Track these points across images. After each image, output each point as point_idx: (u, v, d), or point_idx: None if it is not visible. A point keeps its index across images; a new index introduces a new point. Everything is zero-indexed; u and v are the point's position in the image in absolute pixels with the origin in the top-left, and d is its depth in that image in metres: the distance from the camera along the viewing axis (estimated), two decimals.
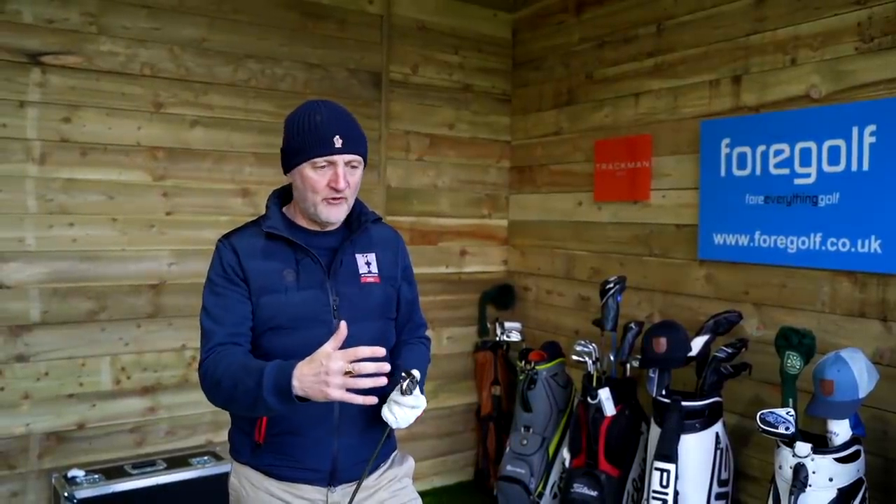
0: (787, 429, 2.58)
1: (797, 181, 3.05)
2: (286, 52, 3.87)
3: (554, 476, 3.84)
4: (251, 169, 3.80)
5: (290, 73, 3.89)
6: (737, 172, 3.29)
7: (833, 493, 2.52)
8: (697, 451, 3.03)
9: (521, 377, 3.93)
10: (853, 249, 2.85)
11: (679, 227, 3.61)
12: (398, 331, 2.16)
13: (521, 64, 4.63)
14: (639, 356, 3.33)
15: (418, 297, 2.25)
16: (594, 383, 3.53)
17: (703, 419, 3.05)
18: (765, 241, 3.18)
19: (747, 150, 3.24)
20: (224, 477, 3.41)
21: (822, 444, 2.61)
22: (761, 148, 3.19)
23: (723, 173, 3.35)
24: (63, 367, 3.39)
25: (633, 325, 3.54)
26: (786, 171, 3.09)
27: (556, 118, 4.37)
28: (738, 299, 3.33)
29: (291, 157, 1.94)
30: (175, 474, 3.37)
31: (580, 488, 3.46)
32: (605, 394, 3.43)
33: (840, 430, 2.56)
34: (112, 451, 3.51)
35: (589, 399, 3.48)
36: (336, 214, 1.95)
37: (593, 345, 3.60)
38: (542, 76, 4.46)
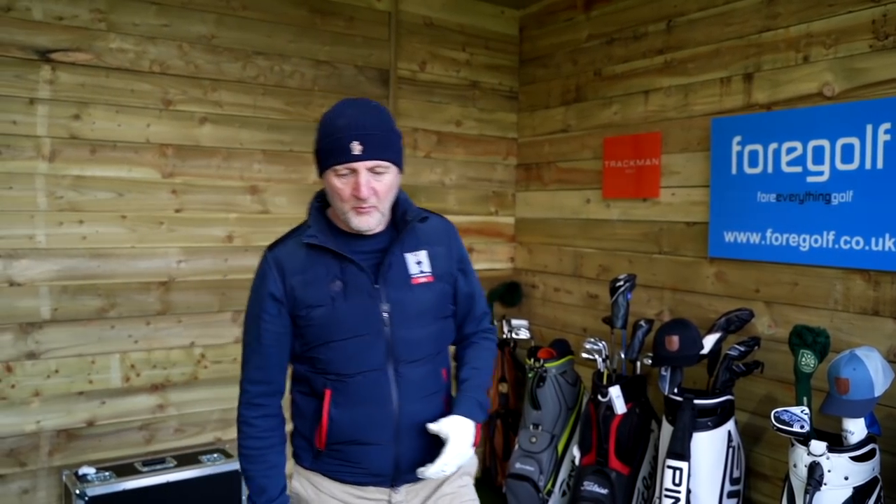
0: (802, 427, 2.57)
1: (810, 179, 3.04)
2: (294, 49, 3.86)
3: (563, 474, 3.84)
4: (260, 166, 3.80)
5: (298, 69, 3.88)
6: (748, 170, 3.28)
7: (849, 492, 2.52)
8: (710, 449, 3.03)
9: (530, 375, 3.93)
10: (867, 248, 2.85)
11: (689, 224, 3.60)
12: (460, 325, 2.11)
13: (529, 61, 4.62)
14: (650, 354, 3.33)
15: (478, 285, 2.16)
16: (604, 381, 3.53)
17: (716, 417, 3.05)
18: (776, 239, 3.18)
19: (759, 147, 3.24)
20: (234, 475, 3.45)
21: (836, 443, 2.61)
22: (773, 146, 3.18)
23: (734, 171, 3.34)
24: (73, 365, 3.38)
25: (643, 322, 3.54)
26: (798, 168, 3.09)
27: (563, 115, 4.36)
28: (749, 297, 3.32)
29: (318, 163, 1.89)
30: (185, 472, 3.36)
31: (590, 486, 3.46)
32: (615, 392, 3.43)
33: (855, 428, 2.56)
34: (122, 449, 3.51)
35: (599, 397, 3.48)
36: (367, 223, 1.86)
37: (603, 342, 3.60)
38: (550, 73, 4.45)
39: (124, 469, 3.34)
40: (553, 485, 3.82)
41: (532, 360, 3.95)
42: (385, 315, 1.90)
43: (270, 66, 3.79)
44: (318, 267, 1.89)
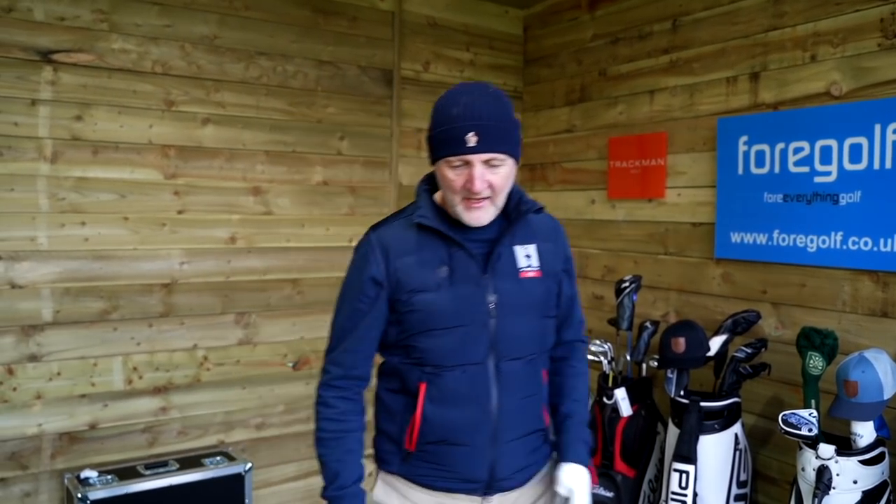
0: (809, 430, 2.55)
1: (817, 179, 3.01)
2: (297, 49, 3.84)
3: None
4: (263, 167, 3.78)
5: (301, 70, 3.86)
6: (755, 170, 3.26)
7: (857, 496, 2.49)
8: (716, 452, 3.00)
9: None
10: (875, 248, 2.82)
11: (695, 225, 3.57)
12: (558, 329, 2.02)
13: (533, 61, 4.59)
14: (656, 356, 3.30)
15: (577, 292, 2.09)
16: (610, 383, 3.50)
17: (723, 420, 3.02)
18: (784, 239, 3.15)
19: (766, 147, 3.21)
20: (237, 478, 3.44)
21: (845, 446, 2.58)
22: (780, 146, 3.15)
23: (740, 171, 3.31)
24: (75, 367, 3.36)
25: (648, 324, 3.51)
26: (806, 169, 3.06)
27: (568, 115, 4.33)
28: (755, 298, 3.29)
29: (431, 151, 1.80)
30: (188, 475, 3.34)
31: (596, 489, 3.43)
32: (621, 394, 3.40)
33: (864, 431, 2.53)
34: (124, 452, 3.49)
35: (605, 399, 3.45)
36: (478, 218, 1.77)
37: (608, 344, 3.57)
38: (554, 73, 4.42)
39: (126, 472, 3.32)
40: None
41: None
42: (491, 306, 1.80)
43: (273, 66, 3.77)
44: (426, 250, 1.81)
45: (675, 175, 3.67)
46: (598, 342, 3.59)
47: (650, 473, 3.47)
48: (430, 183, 1.91)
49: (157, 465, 3.39)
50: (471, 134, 1.68)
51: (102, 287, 3.41)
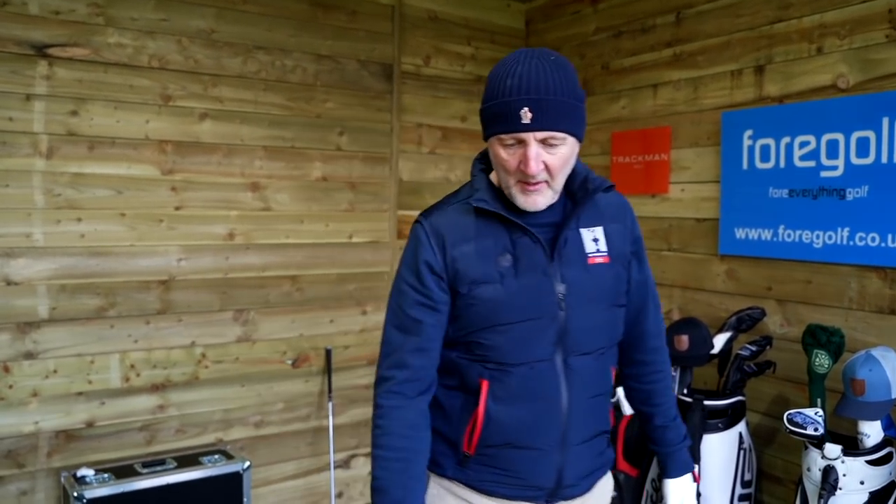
0: (815, 430, 2.50)
1: (824, 174, 2.96)
2: (296, 44, 3.80)
3: None
4: (261, 163, 3.73)
5: (300, 64, 3.81)
6: (760, 165, 3.20)
7: (864, 497, 2.44)
8: (720, 451, 2.95)
9: None
10: (883, 244, 2.77)
11: (699, 221, 3.52)
12: (632, 320, 1.84)
13: None
14: None
15: (652, 275, 1.89)
16: (612, 382, 3.45)
17: (727, 419, 2.97)
18: (789, 235, 3.10)
19: (771, 141, 3.16)
20: (235, 476, 3.40)
21: (851, 446, 2.53)
22: (786, 140, 3.10)
23: (745, 166, 3.26)
24: (72, 365, 3.33)
25: None
26: (812, 163, 3.00)
27: None
28: (760, 295, 3.24)
29: (483, 125, 1.62)
30: (186, 473, 3.31)
31: None
32: (622, 392, 3.35)
33: (871, 431, 2.49)
34: (121, 450, 3.45)
35: None
36: (534, 202, 1.59)
37: None
38: None
39: (124, 471, 3.28)
40: None
41: None
42: (560, 297, 1.63)
43: (271, 60, 3.73)
44: (486, 237, 1.63)
45: (679, 170, 3.62)
46: None
47: (653, 472, 3.42)
48: (486, 161, 1.73)
49: (155, 464, 3.36)
50: (525, 109, 1.50)
51: (99, 284, 3.37)
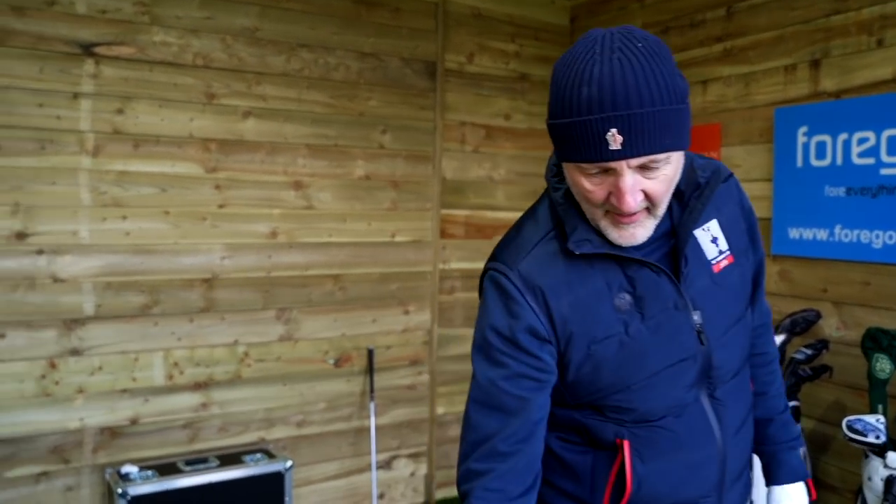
0: (877, 437, 2.40)
1: (884, 171, 2.85)
2: (339, 41, 3.78)
3: None
4: (304, 161, 3.72)
5: (343, 62, 3.79)
6: (815, 163, 3.10)
7: None
8: None
9: None
10: None
11: None
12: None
13: None
14: None
15: (763, 249, 1.55)
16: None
17: None
18: (846, 235, 2.99)
19: (827, 138, 3.05)
20: (277, 476, 3.39)
21: None
22: (843, 136, 2.99)
23: (799, 163, 3.16)
24: (116, 362, 3.35)
25: None
26: (871, 160, 2.89)
27: None
28: (815, 297, 3.13)
29: (555, 144, 1.23)
30: (228, 472, 3.31)
31: None
32: None
33: None
34: (164, 447, 3.46)
35: None
36: (631, 236, 1.24)
37: None
38: None
39: (167, 468, 3.29)
40: None
41: None
42: (698, 328, 1.32)
43: (315, 58, 3.72)
44: (594, 279, 1.29)
45: (730, 167, 3.51)
46: None
47: None
48: (563, 174, 1.32)
49: (198, 462, 3.36)
50: (613, 132, 1.12)
51: (143, 281, 3.39)
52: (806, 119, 3.13)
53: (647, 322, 1.29)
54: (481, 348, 1.33)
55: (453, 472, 4.54)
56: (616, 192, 1.17)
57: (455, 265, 4.19)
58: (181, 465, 3.32)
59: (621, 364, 1.29)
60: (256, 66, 3.57)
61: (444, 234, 4.12)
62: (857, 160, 2.95)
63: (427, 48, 4.04)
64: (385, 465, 4.02)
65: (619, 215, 1.21)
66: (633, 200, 1.17)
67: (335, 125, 3.79)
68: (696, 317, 1.31)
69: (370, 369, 3.92)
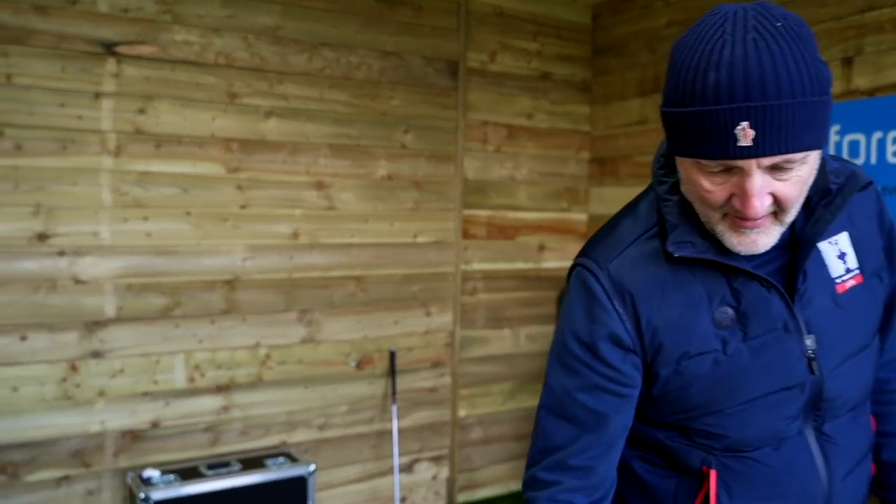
0: None
1: None
2: (361, 40, 3.74)
3: None
4: (326, 161, 3.68)
5: (365, 61, 3.75)
6: None
7: None
8: None
9: None
10: None
11: None
12: (882, 345, 1.33)
13: (602, 51, 4.41)
14: None
15: None
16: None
17: None
18: None
19: (861, 137, 2.99)
20: (300, 480, 3.34)
21: None
22: (877, 135, 2.93)
23: None
24: (137, 365, 3.31)
25: None
26: None
27: (640, 107, 4.15)
28: None
29: (668, 132, 1.09)
30: (250, 476, 3.27)
31: None
32: None
33: None
34: (186, 451, 3.43)
35: None
36: (752, 244, 1.09)
37: None
38: (625, 63, 4.24)
39: (189, 472, 3.26)
40: None
41: None
42: (810, 354, 1.16)
43: (337, 57, 3.68)
44: (693, 288, 1.15)
45: None
46: None
47: None
48: (672, 167, 1.18)
49: (220, 466, 3.32)
50: (744, 125, 0.96)
51: (165, 283, 3.35)
52: (839, 118, 3.07)
53: (750, 342, 1.14)
54: (558, 352, 1.23)
55: (475, 476, 4.52)
56: (741, 194, 1.02)
57: (477, 266, 4.14)
58: (203, 469, 3.28)
59: (713, 385, 1.15)
60: (278, 66, 3.53)
61: (466, 234, 4.08)
62: (892, 159, 2.89)
63: (449, 47, 3.99)
64: (406, 468, 3.98)
65: (741, 219, 1.06)
66: (761, 205, 1.02)
67: (357, 125, 3.74)
68: (810, 342, 1.16)
69: (392, 371, 3.88)
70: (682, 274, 1.15)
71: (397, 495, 3.81)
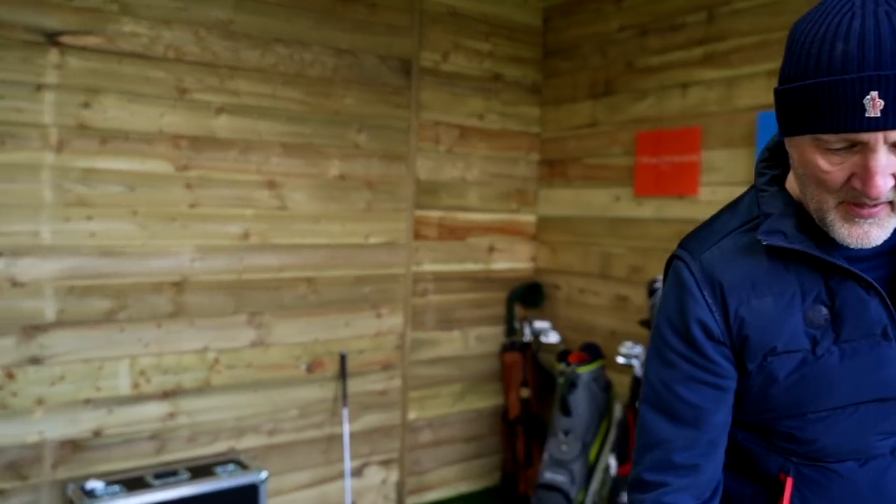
0: None
1: None
2: (315, 37, 3.65)
3: (595, 483, 3.67)
4: (278, 160, 3.58)
5: (318, 58, 3.67)
6: None
7: None
8: None
9: (560, 380, 3.75)
10: None
11: None
12: None
13: (553, 53, 4.43)
14: None
15: None
16: None
17: None
18: None
19: None
20: (252, 488, 3.25)
21: None
22: None
23: None
24: (79, 371, 3.16)
25: None
26: None
27: (591, 109, 4.18)
28: None
29: (783, 112, 1.05)
30: (200, 485, 3.16)
31: None
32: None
33: None
34: (130, 460, 3.29)
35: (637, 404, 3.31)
36: (864, 235, 1.03)
37: (640, 346, 3.43)
38: (576, 65, 4.27)
39: (134, 482, 3.13)
40: (585, 495, 3.64)
41: (563, 364, 3.77)
42: None
43: (290, 53, 3.58)
44: (787, 283, 1.12)
45: (710, 171, 3.53)
46: (629, 344, 3.45)
47: None
48: (776, 160, 1.19)
49: (167, 475, 3.20)
50: (873, 95, 0.92)
51: (109, 285, 3.20)
52: None
53: (842, 345, 1.10)
54: (655, 345, 1.21)
55: (425, 479, 4.49)
56: (863, 173, 0.97)
57: (428, 267, 4.11)
58: (150, 479, 3.16)
59: (799, 385, 1.12)
60: (230, 61, 3.42)
61: (417, 235, 4.04)
62: None
63: (403, 46, 3.94)
64: (356, 472, 3.91)
65: (856, 206, 1.01)
66: (885, 184, 0.97)
67: (310, 123, 3.66)
68: None
69: (343, 374, 3.81)
70: (776, 268, 1.12)
71: (348, 500, 3.75)
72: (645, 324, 3.48)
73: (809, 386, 1.12)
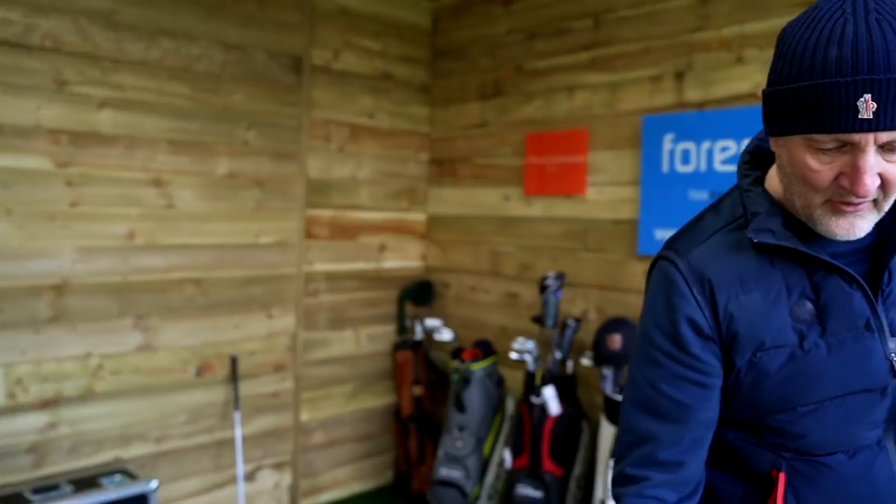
0: None
1: None
2: (202, 31, 3.54)
3: (490, 477, 3.74)
4: (164, 157, 3.45)
5: (206, 53, 3.56)
6: (680, 168, 3.30)
7: None
8: None
9: (454, 377, 3.80)
10: None
11: (616, 222, 3.59)
12: None
13: (442, 54, 4.48)
14: (589, 353, 3.28)
15: None
16: (538, 381, 3.45)
17: None
18: None
19: (692, 145, 3.26)
20: (141, 499, 3.12)
21: None
22: (706, 144, 3.21)
23: (665, 169, 3.35)
24: None
25: (570, 321, 3.50)
26: (732, 167, 3.12)
27: (480, 110, 4.26)
28: None
29: (774, 112, 1.09)
30: (84, 498, 3.01)
31: (524, 489, 3.38)
32: (550, 392, 3.36)
33: None
34: (6, 475, 3.09)
35: (533, 398, 3.40)
36: (849, 227, 1.08)
37: (532, 342, 3.53)
38: (465, 67, 4.34)
39: (12, 499, 2.94)
40: (480, 489, 3.71)
41: (456, 361, 3.83)
42: (893, 358, 1.16)
43: (176, 47, 3.46)
44: (773, 279, 1.16)
45: (597, 172, 3.67)
46: (521, 339, 3.54)
47: (577, 471, 3.45)
48: (757, 162, 1.24)
49: (48, 489, 3.03)
50: (866, 98, 0.97)
51: None
52: (672, 127, 3.33)
53: (828, 338, 1.14)
54: (641, 345, 1.23)
55: (318, 481, 4.49)
56: (851, 172, 1.02)
57: (319, 267, 4.07)
58: (28, 495, 2.98)
59: (787, 380, 1.15)
60: (113, 53, 3.27)
61: (308, 235, 3.99)
62: (719, 167, 3.17)
63: (293, 42, 3.88)
64: (249, 477, 3.83)
65: (842, 203, 1.06)
66: (872, 183, 1.01)
67: (198, 120, 3.55)
68: (893, 344, 1.15)
69: (234, 377, 3.72)
70: (762, 264, 1.16)
71: None
72: (536, 320, 3.58)
73: (799, 380, 1.15)
